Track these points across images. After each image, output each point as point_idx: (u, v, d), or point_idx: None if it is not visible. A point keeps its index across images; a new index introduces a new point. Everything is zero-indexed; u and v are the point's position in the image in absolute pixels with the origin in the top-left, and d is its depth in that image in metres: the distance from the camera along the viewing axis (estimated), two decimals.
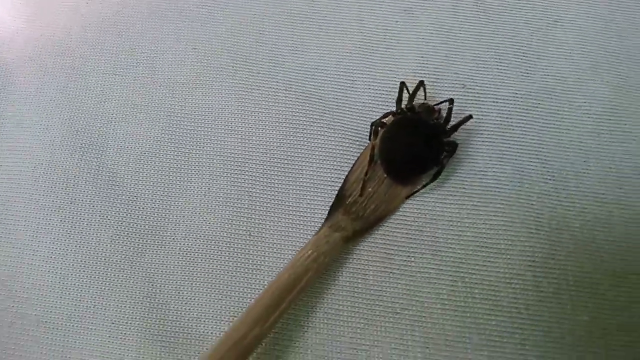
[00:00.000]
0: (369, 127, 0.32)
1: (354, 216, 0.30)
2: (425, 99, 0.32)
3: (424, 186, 0.30)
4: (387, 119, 0.31)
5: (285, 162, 0.32)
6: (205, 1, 0.36)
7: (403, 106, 0.31)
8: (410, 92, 0.31)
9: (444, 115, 0.30)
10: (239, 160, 0.32)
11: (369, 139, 0.32)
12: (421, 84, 0.31)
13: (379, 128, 0.30)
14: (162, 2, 0.37)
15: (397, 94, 0.31)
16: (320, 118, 0.33)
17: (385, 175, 0.30)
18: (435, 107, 0.31)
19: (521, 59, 0.34)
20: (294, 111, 0.33)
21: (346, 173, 0.31)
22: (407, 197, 0.31)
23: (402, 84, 0.31)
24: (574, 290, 0.28)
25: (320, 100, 0.33)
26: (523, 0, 0.36)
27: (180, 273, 0.30)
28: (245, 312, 0.26)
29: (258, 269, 0.30)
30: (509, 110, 0.33)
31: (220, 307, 0.29)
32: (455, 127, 0.30)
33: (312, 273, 0.27)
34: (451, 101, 0.30)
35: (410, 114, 0.30)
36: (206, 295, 0.29)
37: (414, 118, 0.30)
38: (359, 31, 0.35)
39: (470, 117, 0.30)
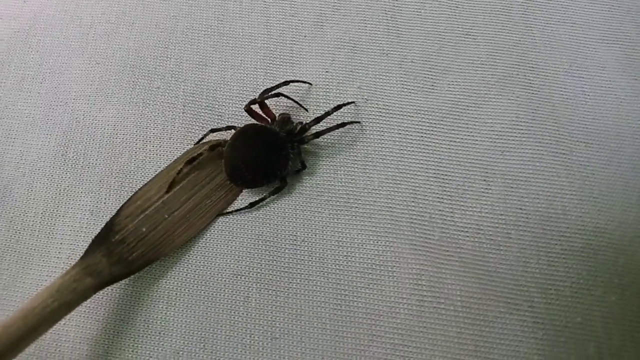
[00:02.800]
0: None
1: (116, 259, 0.26)
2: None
3: (250, 206, 0.29)
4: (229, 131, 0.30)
5: None
6: (110, 17, 0.36)
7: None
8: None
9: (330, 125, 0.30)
10: (130, 177, 0.31)
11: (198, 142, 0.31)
12: (282, 85, 0.31)
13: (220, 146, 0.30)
14: (70, 19, 0.36)
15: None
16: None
17: (167, 217, 0.28)
18: (290, 118, 0.30)
19: (427, 72, 0.33)
20: (189, 127, 0.32)
21: None
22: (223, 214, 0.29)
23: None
24: (461, 317, 0.27)
25: (220, 117, 0.33)
26: (436, 12, 0.35)
27: None
28: None
29: None
30: (410, 126, 0.31)
31: None
32: (319, 134, 0.29)
33: (46, 327, 0.23)
34: (337, 107, 0.30)
35: (256, 123, 0.30)
36: None
37: (259, 127, 0.29)
38: (266, 45, 0.35)
39: (343, 124, 0.30)
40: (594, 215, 0.29)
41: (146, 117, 0.33)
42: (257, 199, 0.29)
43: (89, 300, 0.25)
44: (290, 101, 0.31)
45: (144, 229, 0.27)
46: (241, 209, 0.29)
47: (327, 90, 0.33)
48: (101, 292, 0.26)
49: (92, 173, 0.32)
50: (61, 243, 0.30)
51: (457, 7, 0.35)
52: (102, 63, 0.35)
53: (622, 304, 0.27)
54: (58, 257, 0.30)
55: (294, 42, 0.35)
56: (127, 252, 0.26)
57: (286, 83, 0.31)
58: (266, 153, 0.28)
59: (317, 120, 0.30)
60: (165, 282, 0.28)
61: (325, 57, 0.34)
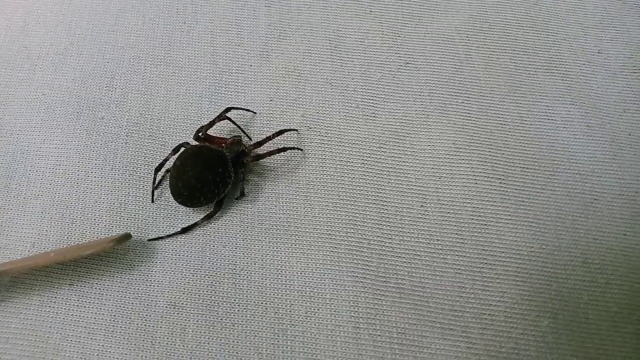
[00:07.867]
0: None
1: None
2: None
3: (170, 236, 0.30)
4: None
5: (119, 212, 0.31)
6: (58, 48, 0.36)
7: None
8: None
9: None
10: (72, 211, 0.31)
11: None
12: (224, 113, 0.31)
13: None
14: (18, 50, 0.36)
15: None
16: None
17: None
18: (241, 140, 0.31)
19: (369, 101, 0.34)
20: (131, 157, 0.32)
21: None
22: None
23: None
24: (396, 342, 0.27)
25: (163, 146, 0.33)
26: (378, 42, 0.36)
27: None
28: None
29: None
30: (351, 153, 0.32)
31: None
32: (259, 157, 0.30)
33: None
34: (279, 132, 0.31)
35: (197, 144, 0.31)
36: None
37: (200, 147, 0.30)
38: (212, 74, 0.35)
39: (284, 149, 0.30)
40: (528, 240, 0.29)
41: (89, 147, 0.33)
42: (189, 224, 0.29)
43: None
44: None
45: None
46: (173, 234, 0.29)
47: (271, 119, 0.33)
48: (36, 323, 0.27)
49: (34, 204, 0.31)
50: None
51: (398, 36, 0.36)
52: (48, 94, 0.35)
53: (555, 329, 0.27)
54: None
55: (240, 72, 0.35)
56: None
57: (228, 110, 0.31)
58: (204, 172, 0.28)
59: (259, 144, 0.30)
60: (102, 313, 0.28)
61: (270, 86, 0.34)
